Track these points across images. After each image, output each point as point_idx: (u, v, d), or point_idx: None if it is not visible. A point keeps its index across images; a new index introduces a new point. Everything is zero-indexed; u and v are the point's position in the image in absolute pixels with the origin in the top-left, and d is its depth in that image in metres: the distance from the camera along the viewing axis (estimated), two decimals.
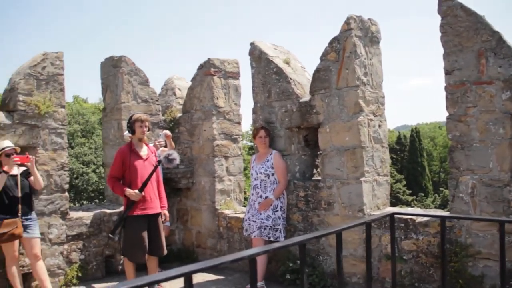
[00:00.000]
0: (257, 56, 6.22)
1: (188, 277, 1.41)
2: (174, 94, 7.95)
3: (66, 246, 6.17)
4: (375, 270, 5.00)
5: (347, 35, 5.17)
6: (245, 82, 15.69)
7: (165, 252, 5.49)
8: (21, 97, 5.82)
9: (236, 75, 7.24)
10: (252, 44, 6.35)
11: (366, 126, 5.17)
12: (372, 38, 5.38)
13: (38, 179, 5.53)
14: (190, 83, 7.41)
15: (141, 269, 5.54)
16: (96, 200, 25.06)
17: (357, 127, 5.09)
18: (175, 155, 5.31)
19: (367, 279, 2.64)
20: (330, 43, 5.36)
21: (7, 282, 5.54)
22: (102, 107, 7.30)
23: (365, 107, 5.16)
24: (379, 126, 5.36)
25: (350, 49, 5.14)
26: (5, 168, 5.22)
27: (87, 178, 26.49)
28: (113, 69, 7.04)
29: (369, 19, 5.38)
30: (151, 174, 5.27)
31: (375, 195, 5.23)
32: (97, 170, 26.65)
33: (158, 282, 1.39)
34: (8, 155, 5.29)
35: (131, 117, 5.42)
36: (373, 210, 5.19)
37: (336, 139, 5.29)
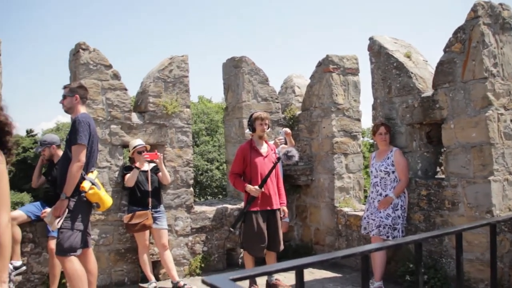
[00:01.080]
0: (377, 51, 6.07)
1: (299, 270, 1.43)
2: (294, 92, 8.04)
3: (190, 238, 6.53)
4: (506, 278, 4.63)
5: (474, 24, 4.85)
6: (365, 78, 15.34)
7: (282, 247, 5.58)
8: (151, 99, 6.28)
9: (355, 71, 7.14)
10: (371, 39, 6.21)
11: (496, 121, 4.80)
12: (503, 25, 4.99)
13: (166, 174, 5.94)
14: (309, 81, 7.45)
15: (261, 263, 5.68)
16: (220, 196, 26.08)
17: (485, 122, 4.75)
18: (294, 152, 5.37)
19: (492, 286, 2.46)
20: (455, 33, 5.07)
21: (139, 267, 6.03)
22: (225, 106, 7.60)
23: (495, 101, 4.80)
24: (511, 120, 4.96)
25: (477, 38, 4.82)
26: (137, 164, 5.66)
27: (211, 175, 27.67)
28: (234, 69, 7.30)
29: (500, 4, 4.99)
30: (270, 171, 5.38)
31: (506, 195, 4.85)
32: (221, 167, 27.70)
33: (270, 273, 1.43)
34: (139, 152, 5.75)
35: (251, 115, 5.59)
36: (504, 211, 4.81)
37: (462, 135, 4.99)
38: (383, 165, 5.50)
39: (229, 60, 7.43)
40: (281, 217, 5.62)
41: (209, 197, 26.54)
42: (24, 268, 5.28)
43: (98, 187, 4.56)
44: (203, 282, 1.26)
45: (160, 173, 5.93)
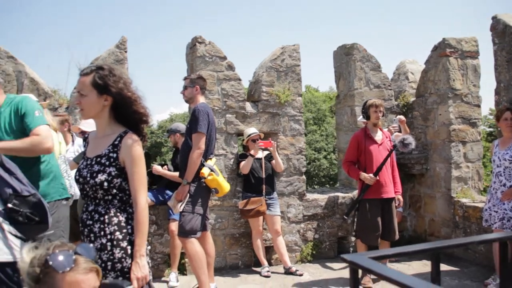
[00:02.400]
0: (501, 31, 5.68)
1: (436, 253, 1.40)
2: (407, 78, 7.77)
3: (302, 225, 6.60)
4: None
5: None
6: (485, 61, 14.34)
7: (397, 237, 5.46)
8: (264, 88, 6.41)
9: (474, 54, 6.72)
10: (494, 18, 5.82)
11: None
12: None
13: (279, 162, 6.05)
14: (423, 66, 7.15)
15: None
16: (327, 185, 26.00)
17: None
18: (411, 140, 5.21)
19: None
20: None
21: (253, 252, 6.22)
22: (332, 95, 7.53)
23: None
24: None
25: None
26: (252, 152, 5.82)
27: (319, 164, 27.66)
28: (345, 57, 7.21)
29: None
30: (386, 159, 5.28)
31: None
32: (328, 156, 27.60)
33: (407, 254, 1.42)
34: (254, 140, 5.90)
35: (365, 103, 5.50)
36: None
37: None
38: (508, 154, 5.13)
39: (340, 48, 7.35)
40: (396, 206, 5.49)
41: (316, 186, 26.54)
42: (149, 247, 5.67)
43: (217, 174, 4.77)
44: (342, 259, 1.29)
45: (273, 161, 6.06)
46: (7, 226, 2.50)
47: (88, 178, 2.38)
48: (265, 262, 6.04)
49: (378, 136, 5.46)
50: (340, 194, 6.87)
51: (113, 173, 2.37)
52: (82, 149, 5.06)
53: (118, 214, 2.41)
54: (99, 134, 2.53)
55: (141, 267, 2.29)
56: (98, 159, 2.42)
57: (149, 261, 2.45)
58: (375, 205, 5.29)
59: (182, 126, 5.93)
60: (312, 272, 6.06)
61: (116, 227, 2.37)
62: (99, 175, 2.36)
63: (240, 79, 6.31)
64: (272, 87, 6.44)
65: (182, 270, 5.95)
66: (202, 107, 4.69)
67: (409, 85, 7.68)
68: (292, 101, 6.51)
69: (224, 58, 6.22)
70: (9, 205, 2.50)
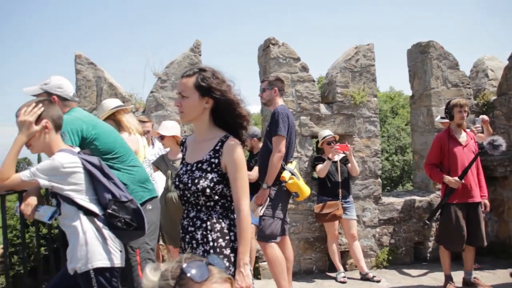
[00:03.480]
0: None
1: None
2: (486, 75, 7.39)
3: (378, 230, 6.41)
4: None
5: None
6: None
7: (485, 243, 5.18)
8: (338, 89, 6.27)
9: None
10: None
11: None
12: None
13: (355, 166, 5.90)
14: (503, 63, 6.79)
15: (453, 259, 5.38)
16: (388, 188, 25.38)
17: None
18: (501, 141, 4.92)
19: None
20: None
21: (327, 257, 6.10)
22: (393, 95, 7.28)
23: None
24: None
25: None
26: (330, 155, 5.69)
27: (381, 166, 27.05)
28: (420, 55, 6.95)
29: None
30: (472, 161, 5.02)
31: None
32: (390, 158, 26.94)
33: None
34: (328, 143, 5.79)
35: (449, 102, 5.26)
36: None
37: None
38: None
39: (415, 46, 7.09)
40: (482, 211, 5.21)
41: None
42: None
43: (297, 177, 4.69)
44: None
45: (349, 164, 5.91)
46: (106, 232, 2.52)
47: (190, 185, 2.34)
48: (341, 268, 5.90)
49: (463, 137, 5.21)
50: (417, 198, 6.62)
51: (215, 179, 2.33)
52: (162, 152, 5.12)
53: (221, 220, 2.36)
54: (199, 138, 2.50)
55: (245, 277, 2.23)
56: (199, 164, 2.39)
57: (251, 269, 2.39)
58: (461, 210, 5.04)
59: (258, 131, 5.89)
60: (390, 278, 5.86)
61: (218, 234, 2.33)
62: (201, 181, 2.33)
63: (313, 80, 6.22)
64: (346, 88, 6.29)
65: (256, 274, 5.91)
66: (282, 110, 4.62)
67: (489, 83, 7.30)
68: (367, 102, 6.34)
69: (298, 59, 6.14)
70: (109, 211, 2.52)
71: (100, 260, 2.47)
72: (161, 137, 4.82)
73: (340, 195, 5.73)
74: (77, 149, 2.65)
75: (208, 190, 2.32)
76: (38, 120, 2.54)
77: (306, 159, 6.09)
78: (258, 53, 6.50)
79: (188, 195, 2.38)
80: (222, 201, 2.38)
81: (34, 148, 2.61)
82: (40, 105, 2.57)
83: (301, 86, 6.11)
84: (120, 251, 2.57)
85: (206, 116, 2.42)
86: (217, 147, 2.38)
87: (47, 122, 2.55)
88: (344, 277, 5.78)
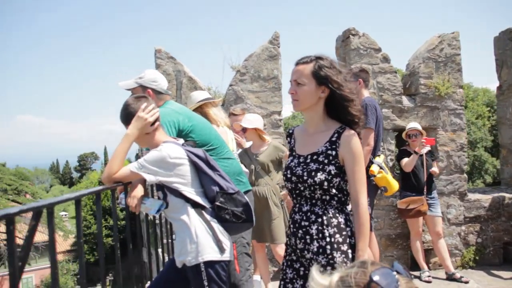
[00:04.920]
0: None
1: None
2: None
3: (463, 228, 6.10)
4: None
5: None
6: None
7: None
8: (422, 81, 6.00)
9: None
10: None
11: None
12: None
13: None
14: None
15: None
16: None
17: None
18: None
19: None
20: None
21: (409, 254, 5.87)
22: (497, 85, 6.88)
23: None
24: None
25: None
26: (417, 149, 5.42)
27: None
28: (510, 43, 6.54)
29: None
30: None
31: None
32: None
33: None
34: (409, 135, 5.52)
35: None
36: None
37: None
38: None
39: (504, 33, 6.67)
40: None
41: None
42: None
43: (386, 171, 4.51)
44: None
45: (435, 160, 5.65)
46: (215, 224, 2.47)
47: (306, 177, 2.24)
48: (425, 266, 5.65)
49: None
50: (506, 195, 6.24)
51: (332, 172, 2.22)
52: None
53: (337, 215, 2.26)
54: (311, 129, 2.39)
55: None
56: (315, 157, 2.28)
57: None
58: None
59: None
60: (478, 279, 5.56)
61: (335, 229, 2.22)
62: (318, 174, 2.22)
63: (395, 72, 5.98)
64: (430, 79, 6.01)
65: None
66: (370, 101, 4.45)
67: None
68: (452, 93, 6.03)
69: (379, 50, 5.92)
70: (217, 203, 2.47)
71: (210, 253, 2.42)
72: (244, 130, 4.75)
73: (425, 191, 5.48)
74: (181, 141, 2.62)
75: (325, 183, 2.22)
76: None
77: (388, 153, 5.87)
78: (336, 44, 6.32)
79: (302, 188, 2.28)
80: (339, 195, 2.27)
81: (141, 142, 2.61)
82: (157, 108, 2.58)
83: (383, 77, 5.89)
84: (229, 244, 2.52)
85: (320, 106, 2.31)
86: (333, 138, 2.27)
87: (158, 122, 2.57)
88: (429, 276, 5.54)
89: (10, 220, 1.31)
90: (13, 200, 27.74)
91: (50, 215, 1.62)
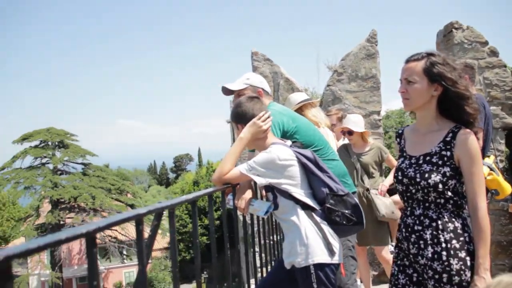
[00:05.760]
0: None
1: None
2: None
3: None
4: None
5: None
6: None
7: None
8: None
9: None
10: None
11: None
12: None
13: None
14: None
15: None
16: None
17: None
18: None
19: None
20: None
21: None
22: None
23: None
24: None
25: None
26: None
27: None
28: None
29: None
30: None
31: None
32: None
33: None
34: None
35: None
36: None
37: None
38: None
39: None
40: None
41: None
42: None
43: (497, 173, 4.21)
44: None
45: None
46: (325, 227, 2.43)
47: (418, 179, 2.14)
48: None
49: None
50: None
51: (447, 174, 2.10)
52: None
53: (453, 219, 2.13)
54: (422, 129, 2.27)
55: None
56: (428, 157, 2.17)
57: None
58: None
59: None
60: None
61: (452, 235, 2.10)
62: (432, 175, 2.11)
63: (505, 66, 5.58)
64: None
65: None
66: (477, 99, 4.17)
67: None
68: None
69: (486, 43, 5.56)
70: (327, 205, 2.42)
71: (320, 256, 2.38)
72: (350, 133, 4.60)
73: None
74: (289, 142, 2.60)
75: (440, 186, 2.10)
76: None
77: (498, 154, 5.49)
78: (437, 39, 6.03)
79: (414, 190, 2.18)
80: (454, 198, 2.14)
81: (249, 144, 2.63)
82: (271, 116, 2.59)
83: (490, 72, 5.52)
84: (339, 247, 2.46)
85: (433, 105, 2.20)
86: (448, 138, 2.15)
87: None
88: None
89: (139, 221, 1.38)
90: (116, 199, 29.50)
91: (171, 215, 1.69)
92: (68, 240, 1.00)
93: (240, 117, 2.57)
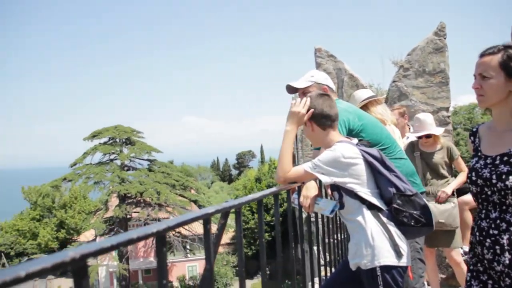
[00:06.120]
0: None
1: None
2: None
3: None
4: None
5: None
6: None
7: None
8: None
9: None
10: None
11: None
12: None
13: None
14: None
15: None
16: None
17: None
18: None
19: None
20: None
21: None
22: None
23: None
24: None
25: None
26: None
27: None
28: None
29: None
30: None
31: None
32: None
33: None
34: None
35: None
36: None
37: None
38: None
39: None
40: None
41: None
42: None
43: None
44: None
45: None
46: (392, 228, 2.35)
47: (494, 181, 2.02)
48: None
49: None
50: None
51: None
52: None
53: None
54: (499, 127, 2.14)
55: None
56: (505, 158, 2.04)
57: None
58: None
59: None
60: None
61: None
62: (510, 177, 1.98)
63: None
64: None
65: None
66: None
67: None
68: None
69: None
70: (394, 205, 2.34)
71: (387, 258, 2.31)
72: (427, 136, 4.40)
73: None
74: (355, 141, 2.54)
75: None
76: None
77: None
78: None
79: (489, 192, 2.05)
80: None
81: (314, 141, 2.60)
82: (309, 98, 2.54)
83: None
84: (406, 249, 2.38)
85: (510, 101, 2.06)
86: None
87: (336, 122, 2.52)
88: None
89: (207, 220, 1.39)
90: (180, 195, 30.19)
91: (238, 214, 1.70)
92: (140, 239, 1.03)
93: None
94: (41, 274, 0.79)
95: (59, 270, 0.83)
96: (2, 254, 41.39)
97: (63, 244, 37.03)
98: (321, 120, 2.49)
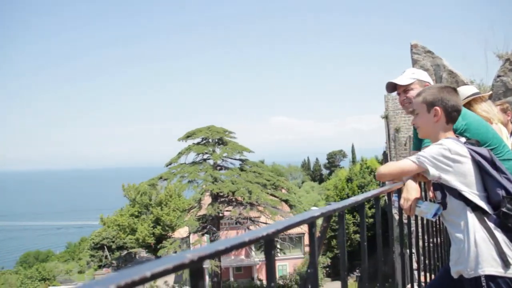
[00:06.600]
0: None
1: None
2: None
3: None
4: None
5: None
6: None
7: None
8: None
9: None
10: None
11: None
12: None
13: None
14: None
15: None
16: None
17: None
18: None
19: None
20: None
21: None
22: None
23: None
24: None
25: None
26: None
27: None
28: None
29: None
30: None
31: None
32: None
33: None
34: None
35: None
36: None
37: None
38: None
39: None
40: None
41: None
42: None
43: None
44: None
45: None
46: (499, 234, 2.15)
47: None
48: None
49: None
50: None
51: None
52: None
53: None
54: None
55: None
56: None
57: None
58: None
59: None
60: None
61: None
62: None
63: None
64: None
65: None
66: None
67: None
68: None
69: None
70: (503, 210, 2.14)
71: (493, 267, 2.12)
72: None
73: None
74: (463, 139, 2.37)
75: None
76: (432, 106, 2.38)
77: None
78: None
79: None
80: None
81: (421, 130, 2.49)
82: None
83: None
84: None
85: None
86: None
87: (437, 108, 2.36)
88: None
89: (313, 223, 1.44)
90: (271, 194, 30.42)
91: (341, 217, 1.74)
92: (251, 242, 1.10)
93: (430, 106, 2.39)
94: (164, 274, 0.85)
95: (178, 270, 0.89)
96: (105, 247, 44.25)
97: (159, 240, 38.71)
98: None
